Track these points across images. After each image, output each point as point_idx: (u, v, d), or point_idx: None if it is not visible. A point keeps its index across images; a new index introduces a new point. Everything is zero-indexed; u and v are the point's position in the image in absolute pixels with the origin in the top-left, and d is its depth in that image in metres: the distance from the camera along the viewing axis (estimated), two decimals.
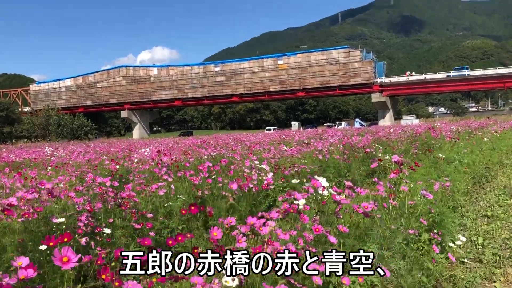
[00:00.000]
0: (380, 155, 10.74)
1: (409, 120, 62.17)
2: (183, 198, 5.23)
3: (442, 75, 67.65)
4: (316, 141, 14.06)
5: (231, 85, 74.43)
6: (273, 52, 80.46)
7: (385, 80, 67.52)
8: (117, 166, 7.40)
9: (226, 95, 75.57)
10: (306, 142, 14.86)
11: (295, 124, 75.82)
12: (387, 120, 64.22)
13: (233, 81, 74.21)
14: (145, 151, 11.93)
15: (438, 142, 14.39)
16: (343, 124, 69.01)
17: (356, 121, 70.61)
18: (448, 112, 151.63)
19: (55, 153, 14.57)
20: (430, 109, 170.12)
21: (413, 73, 73.46)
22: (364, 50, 69.38)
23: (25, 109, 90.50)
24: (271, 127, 72.04)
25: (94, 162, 9.23)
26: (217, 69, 75.62)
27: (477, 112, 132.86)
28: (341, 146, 9.49)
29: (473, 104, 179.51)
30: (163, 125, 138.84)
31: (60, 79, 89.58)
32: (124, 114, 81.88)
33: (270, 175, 6.30)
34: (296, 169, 7.45)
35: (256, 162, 6.63)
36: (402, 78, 69.02)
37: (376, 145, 11.51)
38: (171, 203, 5.05)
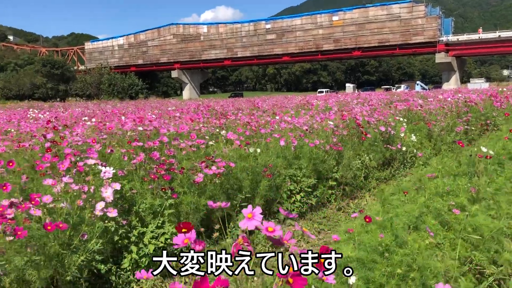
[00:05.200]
0: (402, 135, 7.28)
1: (478, 84, 55.39)
2: None
3: None
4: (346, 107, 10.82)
5: (282, 43, 69.75)
6: None
7: (452, 38, 60.11)
8: None
9: (276, 54, 71.08)
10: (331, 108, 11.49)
11: (349, 87, 70.78)
12: (452, 84, 57.68)
13: (284, 40, 69.51)
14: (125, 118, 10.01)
15: (502, 114, 10.59)
16: (403, 87, 63.04)
17: (417, 84, 64.47)
18: None
19: (39, 116, 12.70)
20: (505, 72, 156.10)
21: (480, 29, 64.94)
22: (429, 5, 62.17)
23: (80, 67, 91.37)
24: (324, 90, 67.55)
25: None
26: (268, 26, 71.10)
27: None
28: (331, 123, 6.10)
29: None
30: (219, 85, 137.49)
31: (114, 37, 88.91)
32: (174, 74, 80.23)
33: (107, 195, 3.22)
34: (208, 168, 4.23)
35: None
36: (471, 36, 61.32)
37: (401, 119, 7.98)
38: None
